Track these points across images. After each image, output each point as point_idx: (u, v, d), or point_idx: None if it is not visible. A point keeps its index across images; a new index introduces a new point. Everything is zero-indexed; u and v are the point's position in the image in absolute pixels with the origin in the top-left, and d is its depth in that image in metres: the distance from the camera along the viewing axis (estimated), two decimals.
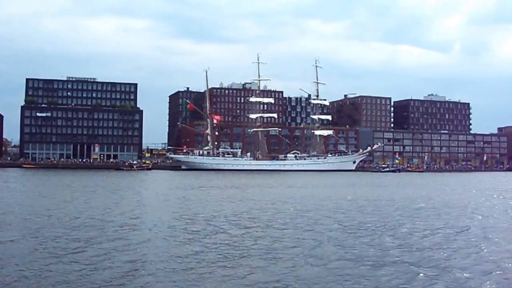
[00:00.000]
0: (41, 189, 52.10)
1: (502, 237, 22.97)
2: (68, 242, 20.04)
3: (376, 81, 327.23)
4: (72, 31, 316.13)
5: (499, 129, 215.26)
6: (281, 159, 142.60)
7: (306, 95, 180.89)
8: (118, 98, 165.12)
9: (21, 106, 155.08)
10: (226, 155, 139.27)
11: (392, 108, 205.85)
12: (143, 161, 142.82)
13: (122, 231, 23.06)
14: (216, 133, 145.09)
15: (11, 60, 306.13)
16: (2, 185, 58.66)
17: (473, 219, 29.93)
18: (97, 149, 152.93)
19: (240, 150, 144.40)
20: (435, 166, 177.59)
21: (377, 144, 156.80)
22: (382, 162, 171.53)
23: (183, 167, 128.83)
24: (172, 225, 25.68)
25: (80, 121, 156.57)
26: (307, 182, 73.59)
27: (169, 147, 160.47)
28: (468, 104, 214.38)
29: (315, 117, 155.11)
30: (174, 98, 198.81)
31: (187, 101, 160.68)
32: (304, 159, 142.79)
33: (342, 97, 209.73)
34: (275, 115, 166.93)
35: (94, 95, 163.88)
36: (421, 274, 15.36)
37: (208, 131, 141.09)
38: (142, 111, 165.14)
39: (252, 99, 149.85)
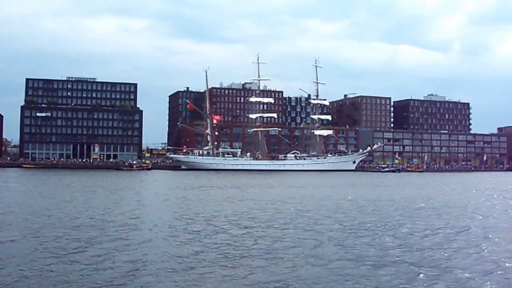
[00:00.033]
0: (41, 189, 52.09)
1: (503, 237, 22.98)
2: (69, 242, 20.04)
3: (376, 81, 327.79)
4: (72, 31, 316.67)
5: (499, 129, 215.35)
6: (281, 159, 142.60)
7: (306, 95, 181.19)
8: (118, 98, 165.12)
9: (21, 106, 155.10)
10: (226, 155, 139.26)
11: (392, 108, 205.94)
12: (143, 161, 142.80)
13: (122, 231, 23.05)
14: (216, 133, 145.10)
15: (11, 60, 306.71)
16: (2, 185, 58.64)
17: (473, 219, 29.93)
18: (97, 149, 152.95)
19: (240, 150, 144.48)
20: (435, 166, 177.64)
21: (377, 144, 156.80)
22: (382, 162, 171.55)
23: (183, 167, 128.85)
24: (173, 225, 25.68)
25: (80, 121, 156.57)
26: (307, 182, 73.58)
27: (169, 147, 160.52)
28: (468, 104, 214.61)
29: (315, 117, 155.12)
30: (174, 98, 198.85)
31: (187, 101, 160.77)
32: (304, 159, 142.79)
33: (342, 97, 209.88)
34: (275, 115, 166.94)
35: (94, 95, 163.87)
36: (422, 274, 15.36)
37: (208, 131, 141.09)
38: (142, 111, 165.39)
39: (252, 99, 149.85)
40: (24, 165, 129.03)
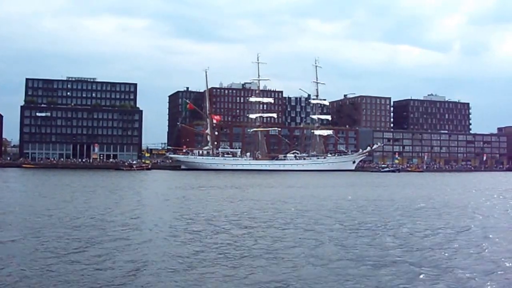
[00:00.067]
0: (41, 189, 52.09)
1: (503, 237, 22.99)
2: (69, 242, 20.04)
3: (376, 81, 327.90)
4: (72, 31, 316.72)
5: (499, 129, 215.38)
6: (281, 159, 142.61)
7: (306, 95, 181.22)
8: (117, 98, 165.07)
9: (21, 106, 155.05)
10: (225, 155, 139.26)
11: (391, 108, 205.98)
12: (143, 161, 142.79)
13: (122, 231, 23.05)
14: (216, 133, 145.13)
15: (10, 60, 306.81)
16: (2, 185, 58.63)
17: (473, 219, 29.94)
18: (96, 149, 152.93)
19: (239, 150, 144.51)
20: (435, 166, 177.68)
21: (377, 144, 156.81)
22: (382, 162, 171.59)
23: (182, 167, 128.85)
24: (173, 225, 25.68)
25: (79, 121, 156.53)
26: (307, 182, 73.59)
27: (168, 147, 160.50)
28: (468, 104, 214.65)
29: (315, 117, 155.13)
30: (174, 98, 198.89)
31: (187, 101, 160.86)
32: (304, 159, 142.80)
33: (342, 97, 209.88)
34: (274, 115, 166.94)
35: (93, 95, 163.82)
36: (422, 274, 15.36)
37: (208, 131, 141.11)
38: (141, 111, 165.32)
39: (252, 99, 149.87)
40: (24, 165, 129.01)
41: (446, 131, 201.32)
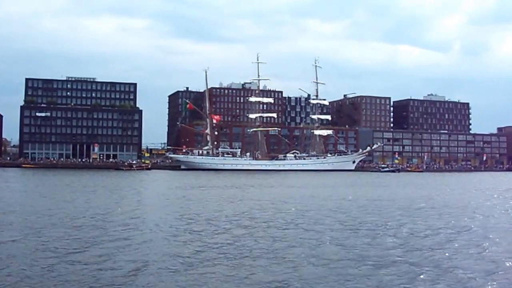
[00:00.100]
0: (41, 189, 52.10)
1: (503, 237, 23.01)
2: (70, 242, 20.05)
3: (376, 81, 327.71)
4: (72, 31, 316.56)
5: (499, 129, 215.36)
6: (281, 159, 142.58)
7: (306, 95, 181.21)
8: (117, 98, 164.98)
9: (21, 106, 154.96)
10: (225, 155, 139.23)
11: (391, 108, 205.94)
12: (143, 161, 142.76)
13: (123, 231, 23.06)
14: (216, 133, 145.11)
15: (10, 60, 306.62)
16: (3, 185, 58.62)
17: (473, 219, 29.97)
18: (96, 149, 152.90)
19: (239, 150, 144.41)
20: (435, 166, 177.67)
21: (377, 144, 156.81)
22: (382, 162, 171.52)
23: (182, 167, 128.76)
24: (173, 225, 25.69)
25: (79, 121, 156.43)
26: (307, 182, 73.60)
27: (168, 147, 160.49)
28: (468, 104, 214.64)
29: (315, 117, 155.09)
30: (174, 98, 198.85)
31: (187, 101, 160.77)
32: (304, 159, 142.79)
33: (342, 97, 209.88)
34: (274, 115, 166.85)
35: (93, 95, 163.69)
36: (423, 274, 15.38)
37: (208, 131, 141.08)
38: (141, 111, 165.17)
39: (252, 99, 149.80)
40: (23, 165, 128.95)
41: (446, 131, 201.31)
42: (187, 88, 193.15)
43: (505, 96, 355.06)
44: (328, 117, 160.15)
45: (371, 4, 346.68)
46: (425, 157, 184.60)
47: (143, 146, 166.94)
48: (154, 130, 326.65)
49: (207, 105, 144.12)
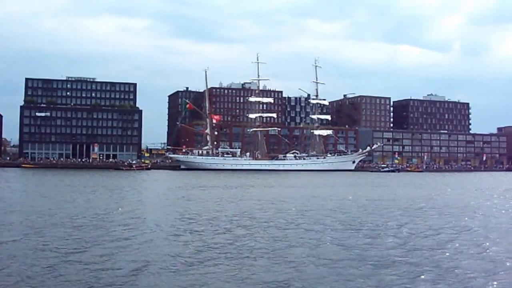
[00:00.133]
0: (41, 189, 52.08)
1: (504, 237, 23.02)
2: (70, 242, 20.04)
3: (376, 81, 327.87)
4: (72, 31, 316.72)
5: (499, 129, 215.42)
6: (281, 159, 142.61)
7: (306, 95, 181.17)
8: (117, 98, 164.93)
9: (21, 106, 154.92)
10: (225, 155, 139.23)
11: (391, 108, 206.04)
12: (142, 161, 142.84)
13: (123, 231, 23.05)
14: (216, 133, 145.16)
15: (10, 60, 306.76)
16: (3, 185, 58.61)
17: (474, 219, 29.96)
18: (96, 149, 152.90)
19: (239, 150, 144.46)
20: (435, 166, 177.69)
21: (377, 144, 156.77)
22: (382, 162, 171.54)
23: (182, 167, 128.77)
24: (174, 224, 25.69)
25: (79, 121, 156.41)
26: (307, 182, 73.59)
27: (168, 147, 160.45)
28: (468, 104, 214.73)
29: (315, 117, 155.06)
30: (174, 98, 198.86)
31: (187, 101, 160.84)
32: (304, 159, 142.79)
33: (342, 97, 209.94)
34: (274, 115, 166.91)
35: (93, 95, 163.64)
36: (423, 274, 15.38)
37: (208, 131, 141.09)
38: (141, 111, 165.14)
39: (252, 99, 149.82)
40: (23, 165, 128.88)
41: (446, 131, 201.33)
42: (187, 88, 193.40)
43: (505, 96, 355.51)
44: (328, 117, 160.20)
45: (371, 4, 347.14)
46: (425, 157, 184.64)
47: (143, 146, 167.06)
48: (154, 130, 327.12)
49: (207, 105, 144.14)
